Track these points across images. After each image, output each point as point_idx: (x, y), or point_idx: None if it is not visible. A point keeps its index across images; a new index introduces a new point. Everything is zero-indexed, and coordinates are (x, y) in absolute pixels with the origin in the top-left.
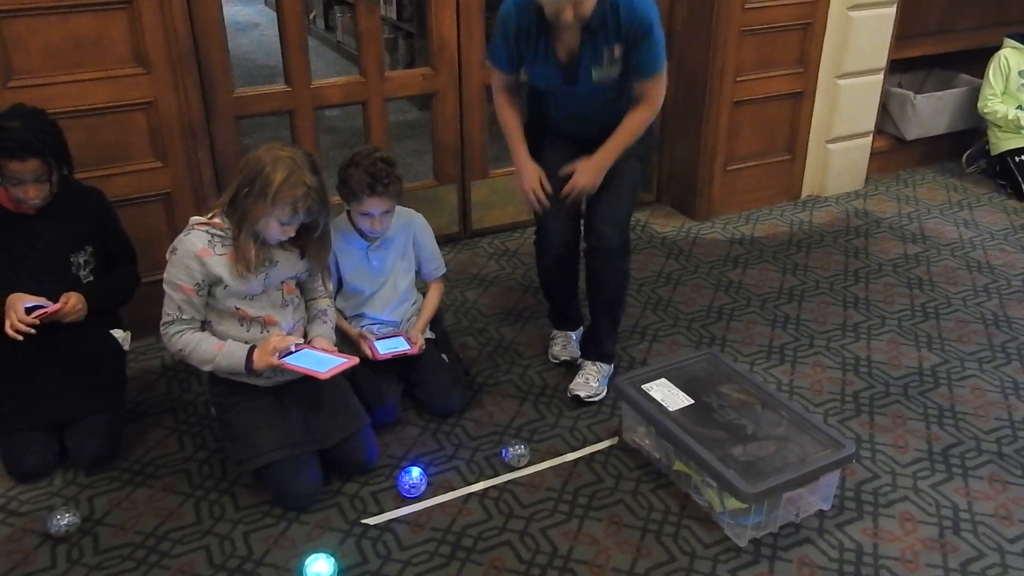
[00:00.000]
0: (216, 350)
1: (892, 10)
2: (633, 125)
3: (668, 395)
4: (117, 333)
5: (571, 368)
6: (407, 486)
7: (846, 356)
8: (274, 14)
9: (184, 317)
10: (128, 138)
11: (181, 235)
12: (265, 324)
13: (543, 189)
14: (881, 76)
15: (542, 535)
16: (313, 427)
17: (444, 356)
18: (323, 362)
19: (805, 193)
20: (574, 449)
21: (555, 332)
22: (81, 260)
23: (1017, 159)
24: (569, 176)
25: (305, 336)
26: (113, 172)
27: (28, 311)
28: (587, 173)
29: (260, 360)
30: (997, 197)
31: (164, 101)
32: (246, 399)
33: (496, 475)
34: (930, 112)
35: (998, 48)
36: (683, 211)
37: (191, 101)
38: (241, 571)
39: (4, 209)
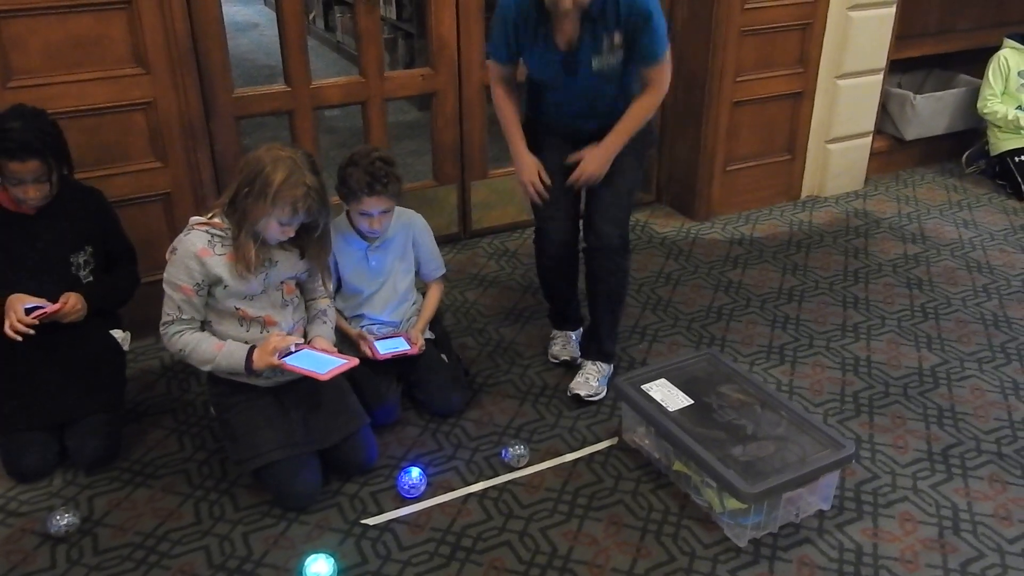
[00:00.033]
0: (216, 350)
1: (892, 10)
2: (640, 111)
3: (668, 395)
4: (117, 333)
5: (571, 368)
6: (407, 486)
7: (846, 356)
8: (273, 14)
9: (184, 317)
10: (128, 138)
11: (181, 235)
12: (265, 324)
13: (541, 182)
14: (881, 76)
15: (542, 535)
16: (313, 427)
17: (444, 356)
18: (323, 363)
19: (805, 193)
20: (574, 449)
21: (555, 332)
22: (81, 260)
23: (1017, 159)
24: (574, 166)
25: (305, 336)
26: (113, 172)
27: (28, 312)
28: (595, 160)
29: (260, 360)
30: (997, 197)
31: (164, 101)
32: (246, 399)
33: (496, 475)
34: (930, 112)
35: (998, 48)
36: (683, 211)
37: (191, 101)
38: (241, 571)
39: (4, 209)
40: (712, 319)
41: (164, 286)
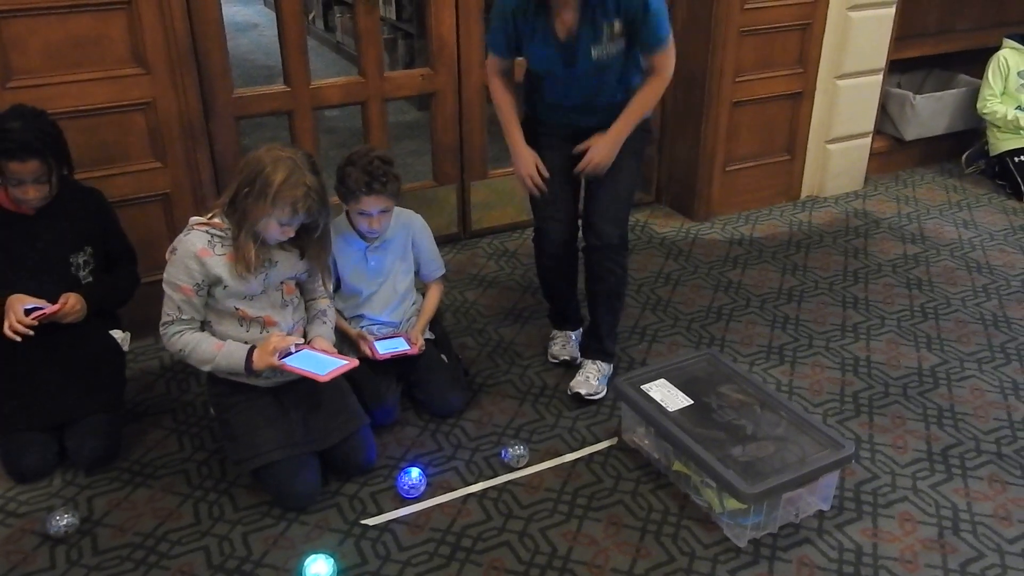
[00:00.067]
0: (216, 350)
1: (891, 10)
2: (646, 97)
3: (667, 395)
4: (116, 334)
5: (570, 368)
6: (406, 487)
7: (845, 356)
8: (273, 14)
9: (184, 317)
10: (127, 138)
11: (181, 235)
12: (265, 324)
13: (540, 176)
14: (880, 76)
15: (541, 536)
16: (312, 427)
17: (443, 356)
18: (323, 364)
19: (804, 193)
20: (573, 450)
21: (555, 332)
22: (81, 260)
23: (1016, 159)
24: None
25: (305, 336)
26: (112, 172)
27: (27, 312)
28: (602, 148)
29: (260, 360)
30: (996, 197)
31: (163, 101)
32: (245, 399)
33: (495, 476)
34: (929, 112)
35: (997, 48)
36: (682, 212)
37: (190, 101)
38: (240, 572)
39: (4, 209)
40: (712, 319)
41: (164, 286)
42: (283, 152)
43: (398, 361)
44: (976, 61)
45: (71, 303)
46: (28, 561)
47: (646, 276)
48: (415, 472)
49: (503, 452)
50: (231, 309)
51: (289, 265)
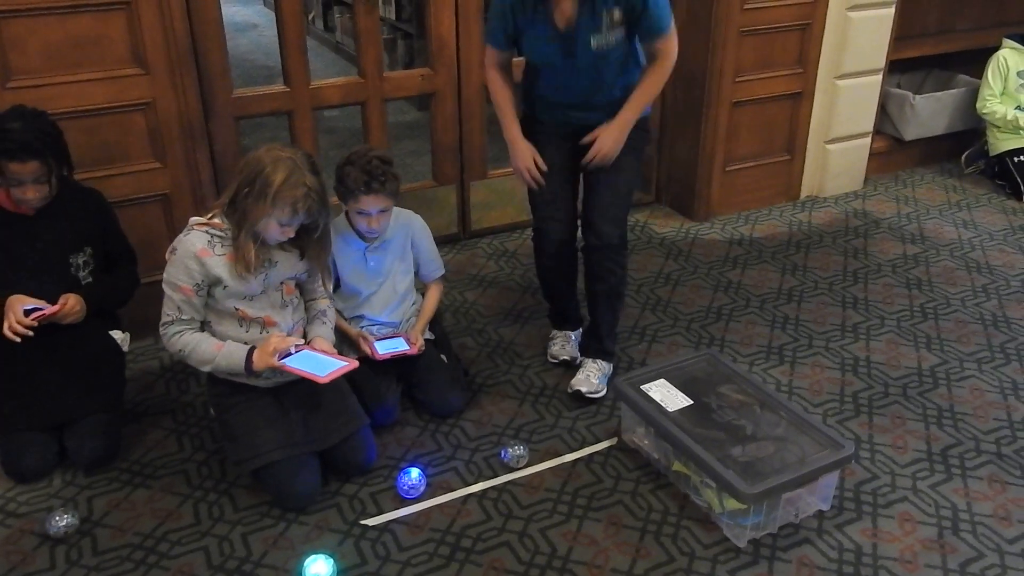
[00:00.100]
0: (216, 350)
1: (891, 11)
2: (650, 84)
3: (667, 396)
4: (116, 334)
5: (570, 368)
6: (406, 487)
7: (845, 357)
8: (273, 15)
9: (183, 317)
10: (127, 139)
11: (180, 235)
12: (264, 325)
13: (539, 170)
14: (880, 77)
15: (541, 536)
16: (312, 428)
17: (443, 357)
18: (322, 365)
19: (804, 194)
20: (573, 450)
21: (554, 332)
22: (80, 261)
23: (1016, 159)
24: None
25: (304, 336)
26: (112, 173)
27: (26, 313)
28: (609, 137)
29: (260, 361)
30: (996, 198)
31: (163, 102)
32: (245, 400)
33: (495, 476)
34: (929, 113)
35: (997, 49)
36: (682, 212)
37: (190, 102)
38: (240, 572)
39: (4, 210)
40: (711, 319)
41: (164, 286)
42: (283, 152)
43: (398, 361)
44: (976, 61)
45: (71, 304)
46: (28, 561)
47: (646, 276)
48: (415, 472)
49: (503, 452)
50: (231, 309)
51: (289, 265)
